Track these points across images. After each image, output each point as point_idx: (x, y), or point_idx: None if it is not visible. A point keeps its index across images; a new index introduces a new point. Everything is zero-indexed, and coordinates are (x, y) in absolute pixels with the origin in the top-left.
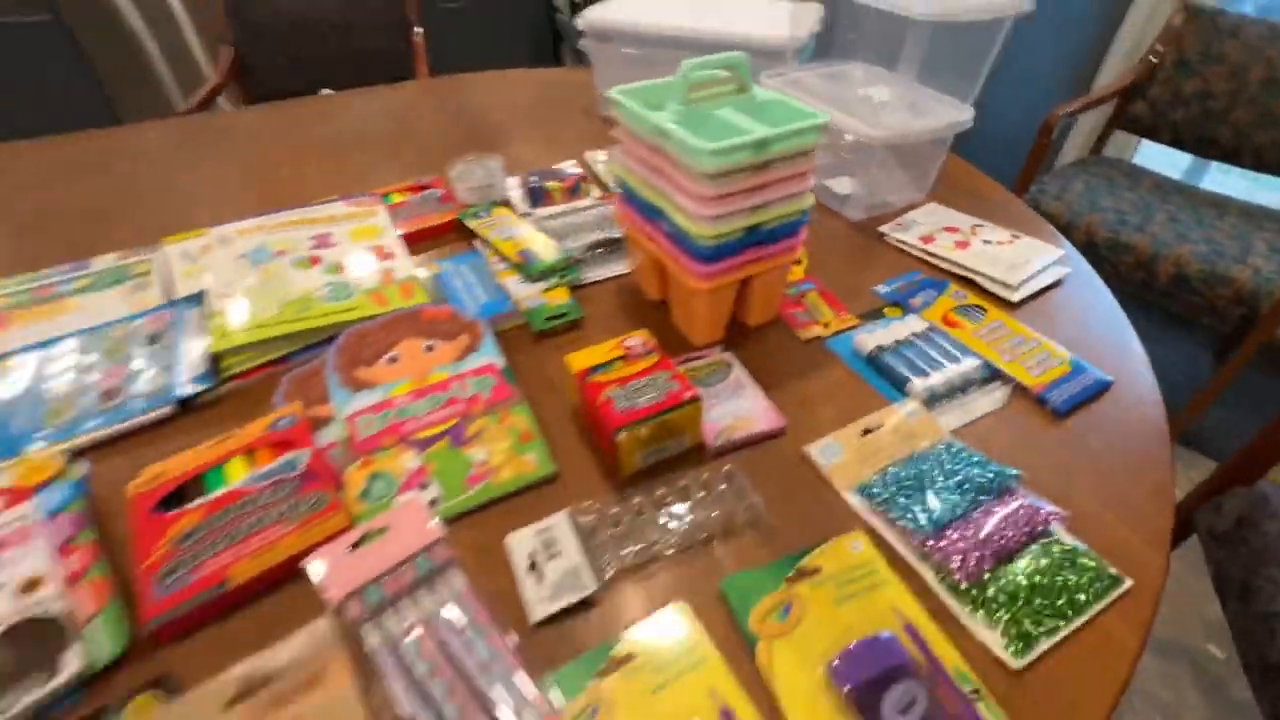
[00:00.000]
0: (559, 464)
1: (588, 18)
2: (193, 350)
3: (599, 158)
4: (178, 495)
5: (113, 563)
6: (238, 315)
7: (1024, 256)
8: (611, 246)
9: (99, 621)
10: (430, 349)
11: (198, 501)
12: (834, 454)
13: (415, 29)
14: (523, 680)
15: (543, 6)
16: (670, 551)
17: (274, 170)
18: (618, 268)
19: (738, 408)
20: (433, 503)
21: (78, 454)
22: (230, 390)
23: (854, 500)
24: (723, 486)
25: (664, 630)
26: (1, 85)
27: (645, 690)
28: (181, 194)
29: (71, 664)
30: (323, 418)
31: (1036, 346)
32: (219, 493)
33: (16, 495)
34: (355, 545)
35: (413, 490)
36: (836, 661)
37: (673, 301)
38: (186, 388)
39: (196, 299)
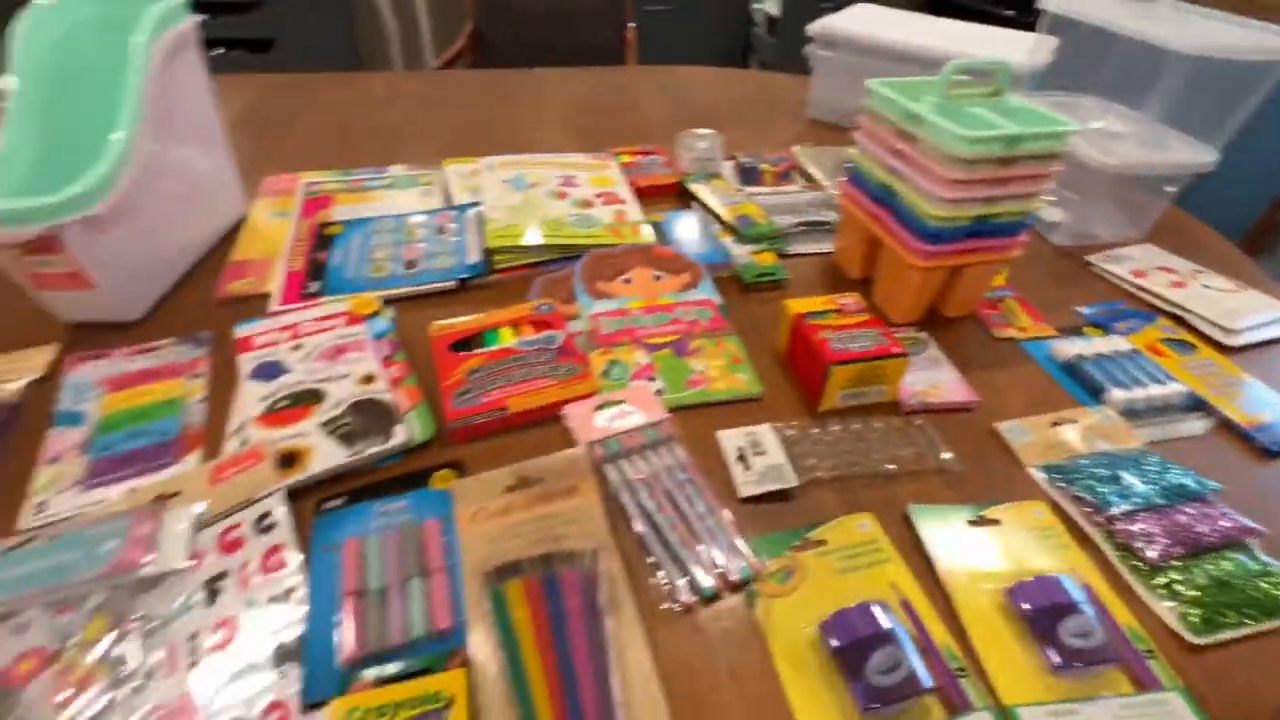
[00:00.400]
0: (763, 389)
1: (821, 25)
2: (471, 245)
3: (806, 152)
4: (464, 344)
5: (419, 379)
6: (508, 224)
7: (1249, 306)
8: (814, 227)
9: (413, 415)
10: (658, 278)
11: (480, 350)
12: (1022, 434)
13: (629, 24)
14: (731, 531)
15: (742, 20)
16: (861, 473)
17: (519, 121)
18: (820, 245)
19: (933, 378)
20: (658, 392)
21: (387, 302)
22: (495, 280)
23: (1038, 475)
24: (915, 435)
25: (854, 530)
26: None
27: (833, 569)
28: (450, 128)
29: (399, 436)
30: (567, 315)
31: (1252, 389)
32: (497, 347)
33: (353, 319)
34: (599, 408)
35: (643, 380)
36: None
37: (879, 279)
38: (465, 270)
39: (473, 206)
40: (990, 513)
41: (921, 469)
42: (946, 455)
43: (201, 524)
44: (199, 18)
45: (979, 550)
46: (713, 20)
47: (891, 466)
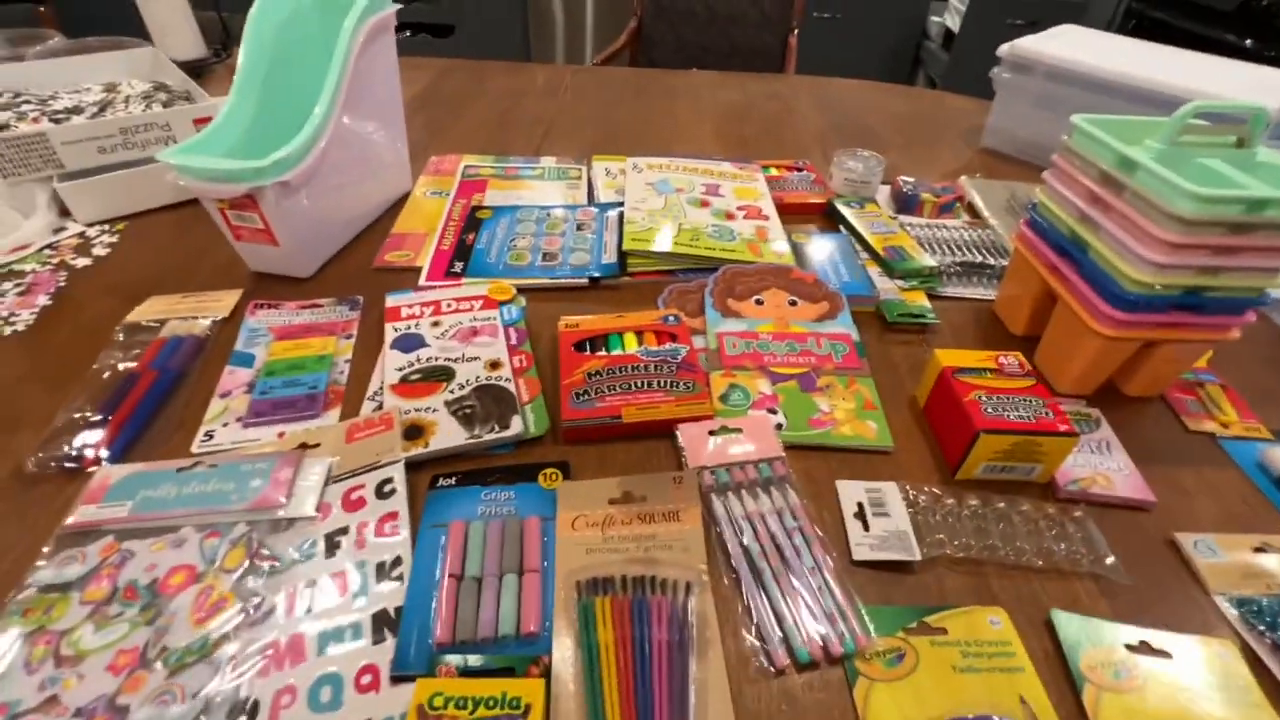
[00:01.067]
0: (894, 443)
1: (1014, 47)
2: (609, 243)
3: (975, 184)
4: (587, 344)
5: (539, 372)
6: (645, 228)
7: None
8: (975, 269)
9: (530, 408)
10: (793, 303)
11: (603, 353)
12: (1212, 553)
13: (795, 29)
14: (840, 596)
15: (914, 33)
16: (998, 560)
17: (671, 122)
18: (979, 291)
19: (1100, 465)
20: (778, 426)
21: (521, 290)
22: (626, 282)
23: (1228, 608)
24: (1071, 529)
25: (983, 624)
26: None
27: (952, 665)
28: (603, 124)
29: (515, 426)
30: (693, 328)
31: None
32: (619, 352)
33: (488, 303)
34: (713, 433)
35: (763, 410)
36: None
37: (1049, 339)
38: (599, 269)
39: (615, 207)
40: (1159, 640)
41: (1073, 569)
42: (1110, 559)
43: (331, 478)
44: (397, 5)
45: (1140, 684)
46: (882, 31)
47: (1037, 561)
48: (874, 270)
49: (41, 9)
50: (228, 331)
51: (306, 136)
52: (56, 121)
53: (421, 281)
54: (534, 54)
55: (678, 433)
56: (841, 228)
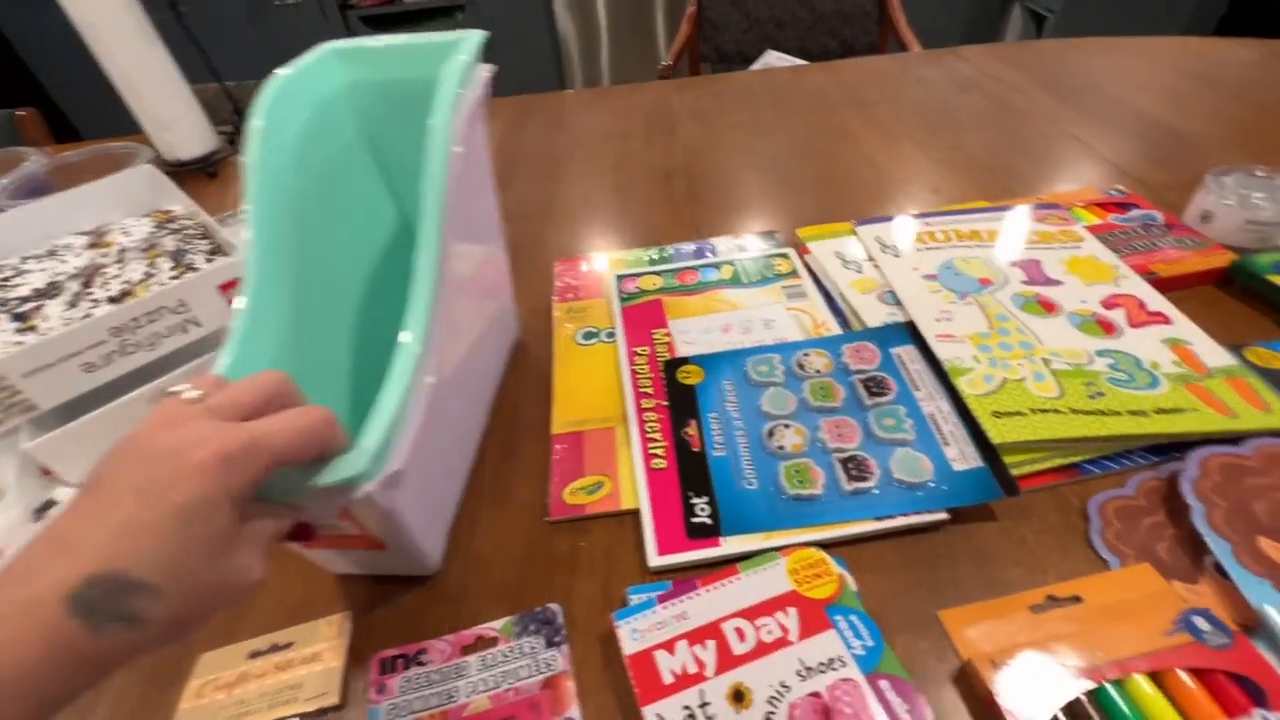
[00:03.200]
0: None
1: None
2: (938, 419)
3: None
4: None
5: None
6: (993, 383)
7: None
8: None
9: None
10: None
11: None
12: None
13: None
14: None
15: None
16: None
17: (853, 147)
18: None
19: None
20: None
21: (826, 547)
22: (1008, 506)
23: None
24: None
25: None
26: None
27: None
28: (761, 165)
29: None
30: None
31: None
32: None
33: (808, 611)
34: None
35: None
36: None
37: None
38: (958, 488)
39: (900, 336)
40: None
41: None
42: None
43: None
44: (488, 68)
45: None
46: None
47: None
48: None
49: (21, 113)
50: None
51: (403, 388)
52: (19, 318)
53: (653, 558)
54: (560, 40)
55: None
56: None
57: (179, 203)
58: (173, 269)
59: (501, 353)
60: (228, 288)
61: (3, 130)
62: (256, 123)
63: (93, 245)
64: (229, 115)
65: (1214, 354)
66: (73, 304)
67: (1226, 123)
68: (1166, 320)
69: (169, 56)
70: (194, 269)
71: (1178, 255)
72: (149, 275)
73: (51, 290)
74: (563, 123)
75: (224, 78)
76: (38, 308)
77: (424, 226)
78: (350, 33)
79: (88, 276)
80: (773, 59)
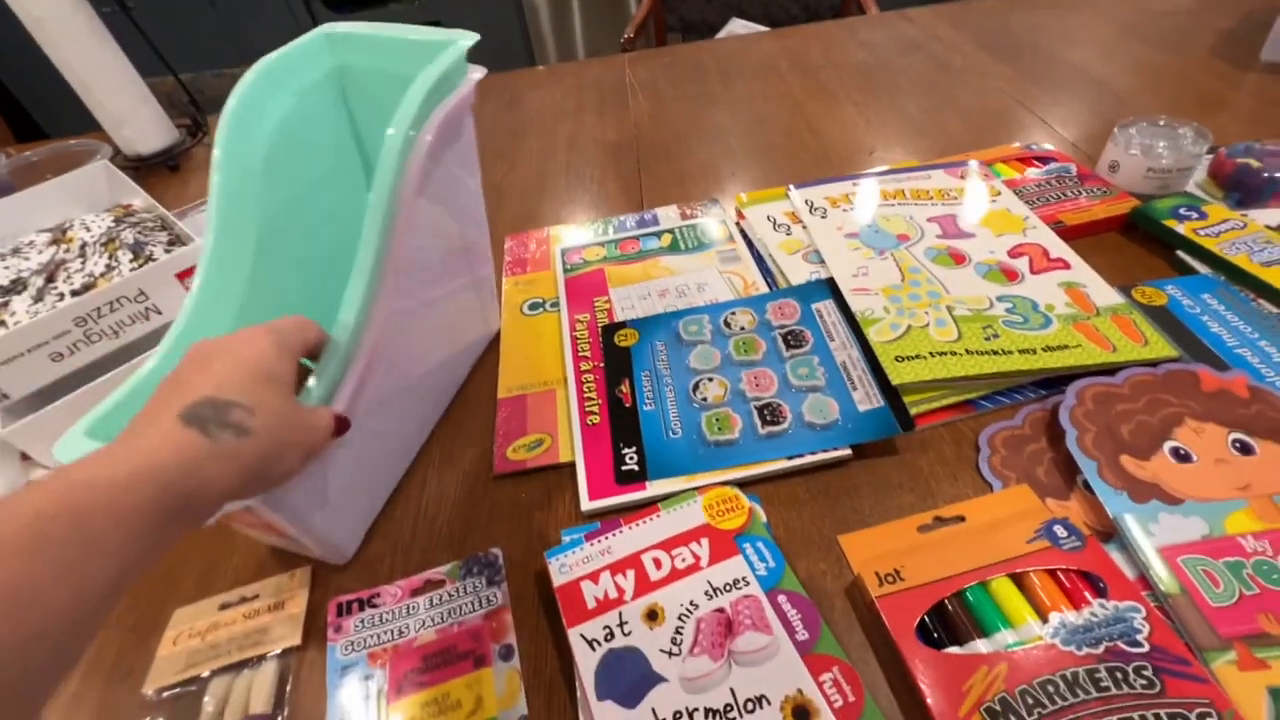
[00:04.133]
0: None
1: None
2: (849, 365)
3: None
4: (930, 619)
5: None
6: (898, 330)
7: None
8: None
9: None
10: (1242, 447)
11: (981, 643)
12: None
13: None
14: None
15: None
16: None
17: (796, 111)
18: None
19: None
20: None
21: (739, 485)
22: (908, 440)
23: None
24: None
25: None
26: None
27: None
28: (707, 135)
29: None
30: (1059, 513)
31: None
32: (1010, 639)
33: (717, 541)
34: None
35: None
36: None
37: None
38: (861, 426)
39: (822, 290)
40: None
41: None
42: None
43: None
44: (480, 70)
45: None
46: None
47: None
48: None
49: None
50: (309, 675)
51: (333, 374)
52: None
53: (585, 502)
54: (529, 13)
55: None
56: (1188, 257)
57: (137, 197)
58: (132, 260)
59: (472, 334)
60: (185, 275)
61: None
62: (230, 104)
63: (54, 242)
64: (186, 107)
65: (1104, 294)
66: (38, 298)
67: (1149, 74)
68: (1066, 266)
69: (120, 52)
70: (153, 259)
71: (1086, 204)
72: (110, 268)
73: (17, 286)
74: (517, 101)
75: (188, 68)
76: (4, 303)
77: (359, 258)
78: (314, 18)
79: (51, 271)
80: (737, 27)
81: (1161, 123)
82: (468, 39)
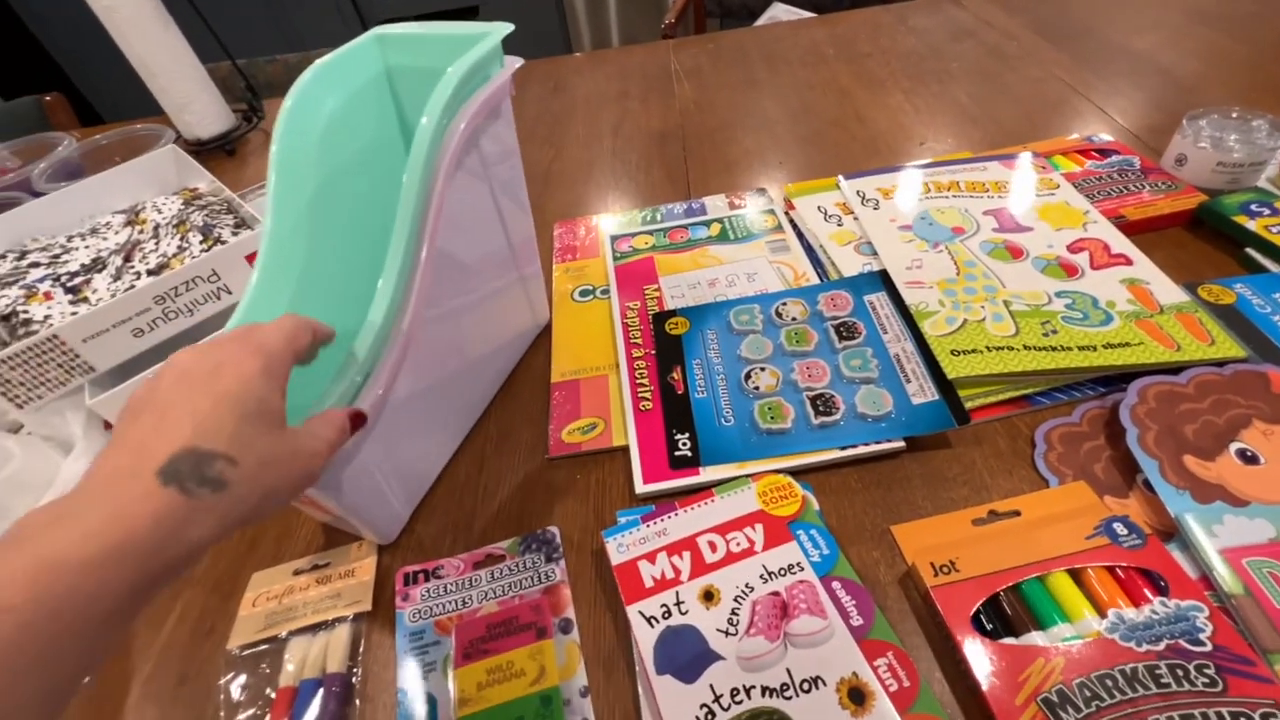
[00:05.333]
0: None
1: None
2: (903, 359)
3: None
4: (986, 612)
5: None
6: (954, 324)
7: None
8: None
9: None
10: None
11: (1037, 634)
12: None
13: None
14: None
15: None
16: None
17: (845, 101)
18: None
19: None
20: None
21: (793, 474)
22: (960, 434)
23: None
24: None
25: None
26: None
27: None
28: (757, 125)
29: None
30: (1118, 510)
31: None
32: (1068, 633)
33: (772, 528)
34: None
35: None
36: None
37: None
38: (915, 419)
39: (874, 283)
40: None
41: None
42: None
43: None
44: (517, 61)
45: None
46: None
47: None
48: None
49: (48, 98)
50: (379, 639)
51: (362, 368)
52: (72, 290)
53: (639, 486)
54: (568, 20)
55: None
56: (1259, 255)
57: (203, 180)
58: (202, 242)
59: (516, 350)
60: (253, 258)
61: (31, 115)
62: (286, 103)
63: (129, 223)
64: (242, 93)
65: (1169, 292)
66: (116, 277)
67: (1221, 63)
68: (1128, 262)
69: (183, 39)
70: (222, 241)
71: (1150, 199)
72: (181, 249)
73: (97, 265)
74: (562, 86)
75: (240, 54)
76: (87, 281)
77: (394, 243)
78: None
79: (128, 251)
80: (780, 11)
81: (1234, 114)
82: (502, 30)
